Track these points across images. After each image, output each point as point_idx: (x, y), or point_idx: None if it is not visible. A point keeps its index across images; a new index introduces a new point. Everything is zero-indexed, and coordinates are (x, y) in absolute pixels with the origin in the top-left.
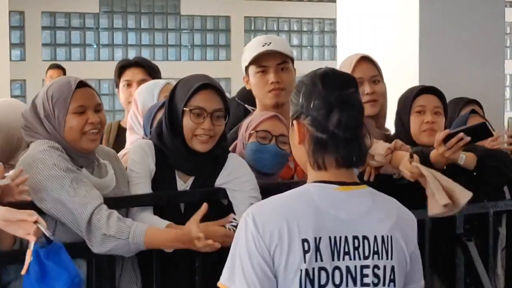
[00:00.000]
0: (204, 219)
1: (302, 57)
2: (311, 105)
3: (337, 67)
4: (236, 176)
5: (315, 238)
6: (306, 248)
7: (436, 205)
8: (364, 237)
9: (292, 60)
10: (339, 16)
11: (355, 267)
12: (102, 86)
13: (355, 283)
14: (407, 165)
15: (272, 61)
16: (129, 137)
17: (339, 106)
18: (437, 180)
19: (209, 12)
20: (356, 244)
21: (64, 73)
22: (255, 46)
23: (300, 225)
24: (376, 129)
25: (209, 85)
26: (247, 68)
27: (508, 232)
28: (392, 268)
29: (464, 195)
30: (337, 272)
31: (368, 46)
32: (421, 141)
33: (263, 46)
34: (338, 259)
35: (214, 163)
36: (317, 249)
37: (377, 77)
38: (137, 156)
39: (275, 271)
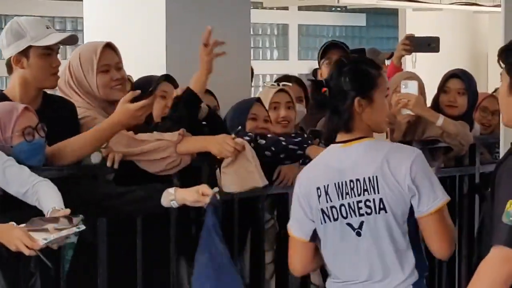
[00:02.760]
0: None
1: None
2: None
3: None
4: None
5: (324, 186)
6: (319, 194)
7: None
8: (357, 180)
9: None
10: (86, 14)
11: (353, 202)
12: None
13: (355, 214)
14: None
15: (55, 46)
16: None
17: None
18: None
19: None
20: (352, 186)
21: None
22: (39, 25)
23: (315, 177)
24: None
25: None
26: (28, 48)
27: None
28: (380, 200)
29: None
30: (343, 208)
31: (115, 42)
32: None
33: (48, 28)
34: (343, 198)
35: None
36: (326, 193)
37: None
38: None
39: (312, 212)
